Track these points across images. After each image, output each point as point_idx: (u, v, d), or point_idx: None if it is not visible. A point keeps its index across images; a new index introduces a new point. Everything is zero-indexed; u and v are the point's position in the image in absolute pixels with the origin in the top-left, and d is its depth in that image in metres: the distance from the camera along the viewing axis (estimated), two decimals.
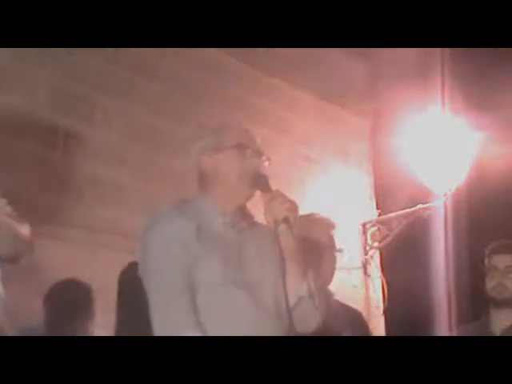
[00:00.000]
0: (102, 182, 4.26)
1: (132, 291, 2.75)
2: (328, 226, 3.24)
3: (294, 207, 2.48)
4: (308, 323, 2.53)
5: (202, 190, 2.61)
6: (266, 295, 2.50)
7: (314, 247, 3.03)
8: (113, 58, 4.36)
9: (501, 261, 3.60)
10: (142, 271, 2.50)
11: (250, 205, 2.63)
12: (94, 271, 3.91)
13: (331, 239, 3.20)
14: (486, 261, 3.66)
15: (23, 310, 3.22)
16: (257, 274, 2.51)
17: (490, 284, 3.61)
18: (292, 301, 2.47)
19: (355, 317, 3.31)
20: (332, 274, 3.18)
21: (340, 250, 3.22)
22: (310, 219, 3.19)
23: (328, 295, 3.12)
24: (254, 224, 2.62)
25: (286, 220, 2.45)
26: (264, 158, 2.61)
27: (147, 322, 2.52)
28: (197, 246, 2.42)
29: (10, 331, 2.52)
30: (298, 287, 2.48)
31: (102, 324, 3.20)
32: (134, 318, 2.65)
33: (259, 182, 2.56)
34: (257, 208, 2.58)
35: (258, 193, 2.59)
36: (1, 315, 2.43)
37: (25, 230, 2.58)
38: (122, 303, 2.93)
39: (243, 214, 2.60)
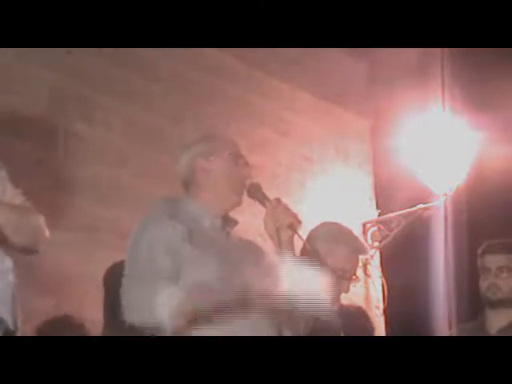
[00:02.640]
0: (102, 181, 4.26)
1: (118, 290, 2.75)
2: (360, 250, 3.05)
3: (296, 215, 2.53)
4: (297, 329, 2.55)
5: (191, 192, 2.65)
6: (259, 298, 2.51)
7: (333, 268, 2.92)
8: (113, 58, 4.36)
9: (493, 261, 3.59)
10: (128, 271, 2.51)
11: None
12: (93, 271, 3.91)
13: (355, 266, 3.01)
14: (479, 261, 3.65)
15: (21, 309, 3.22)
16: (250, 277, 2.53)
17: (483, 285, 3.60)
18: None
19: (356, 315, 3.28)
20: (342, 294, 3.00)
21: (357, 280, 3.07)
22: (342, 236, 3.00)
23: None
24: (236, 229, 2.66)
25: (291, 226, 2.49)
26: (251, 169, 2.66)
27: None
28: (189, 249, 2.44)
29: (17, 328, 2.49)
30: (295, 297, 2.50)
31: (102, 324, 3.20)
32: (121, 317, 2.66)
33: (254, 191, 2.60)
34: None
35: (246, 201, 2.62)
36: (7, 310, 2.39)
37: (41, 220, 2.56)
38: (107, 302, 2.94)
39: (228, 219, 2.63)
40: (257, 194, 2.61)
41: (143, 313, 2.35)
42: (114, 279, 3.01)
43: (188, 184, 2.67)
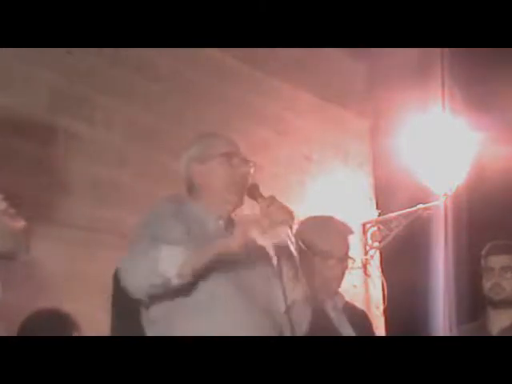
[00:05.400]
0: (102, 181, 4.26)
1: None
2: (346, 231, 3.16)
3: (291, 212, 2.52)
4: (300, 326, 2.55)
5: (193, 194, 2.66)
6: (259, 296, 2.51)
7: (323, 253, 2.99)
8: (113, 58, 4.36)
9: (496, 262, 3.60)
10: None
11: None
12: (93, 271, 3.92)
13: (346, 246, 3.12)
14: (483, 262, 3.66)
15: (22, 309, 3.22)
16: (251, 276, 2.53)
17: (486, 285, 3.61)
18: (286, 303, 2.50)
19: (361, 317, 3.29)
20: (339, 281, 3.12)
21: (352, 260, 3.17)
22: (327, 222, 3.13)
23: (337, 300, 3.11)
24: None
25: (285, 222, 2.47)
26: (251, 164, 2.64)
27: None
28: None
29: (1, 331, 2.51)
30: (292, 290, 2.51)
31: (102, 324, 3.20)
32: (130, 316, 2.65)
33: (252, 192, 2.60)
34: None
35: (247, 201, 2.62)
36: None
37: (20, 226, 2.56)
38: (116, 301, 2.93)
39: (230, 220, 2.63)
40: (254, 194, 2.61)
41: (145, 273, 2.35)
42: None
43: (189, 187, 2.68)
